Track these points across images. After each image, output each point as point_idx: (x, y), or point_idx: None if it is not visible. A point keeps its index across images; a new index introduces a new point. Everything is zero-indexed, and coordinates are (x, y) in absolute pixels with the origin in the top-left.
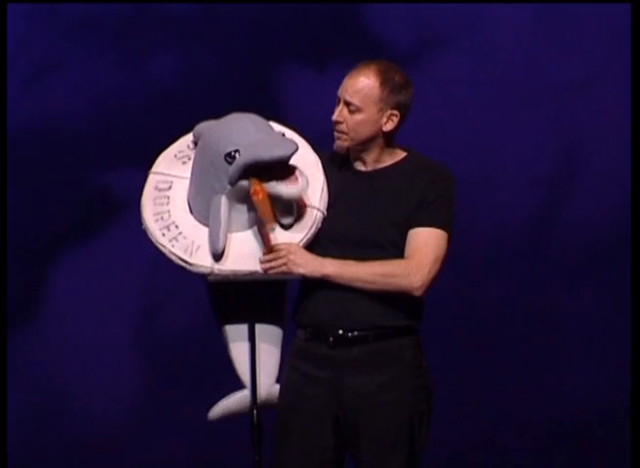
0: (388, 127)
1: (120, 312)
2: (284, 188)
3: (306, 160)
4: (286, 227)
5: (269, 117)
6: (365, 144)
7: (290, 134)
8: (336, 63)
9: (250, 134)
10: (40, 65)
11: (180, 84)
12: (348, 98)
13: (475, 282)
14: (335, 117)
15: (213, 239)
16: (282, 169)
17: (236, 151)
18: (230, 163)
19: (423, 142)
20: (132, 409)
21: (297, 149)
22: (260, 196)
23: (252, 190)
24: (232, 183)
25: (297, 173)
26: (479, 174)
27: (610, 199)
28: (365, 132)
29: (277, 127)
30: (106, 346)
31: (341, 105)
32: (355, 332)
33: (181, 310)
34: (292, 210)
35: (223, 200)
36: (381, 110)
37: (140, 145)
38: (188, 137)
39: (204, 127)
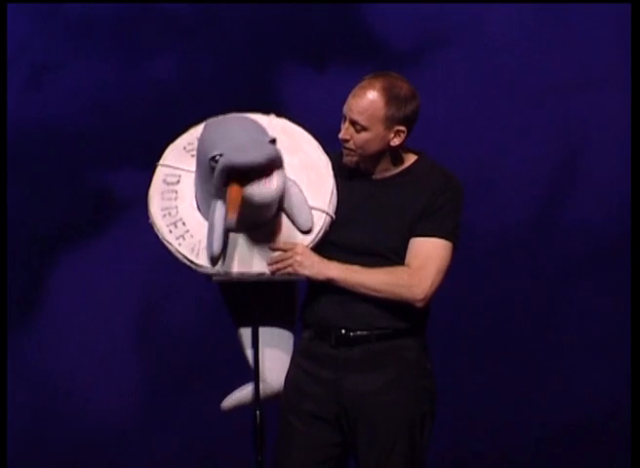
0: (396, 142)
1: (120, 312)
2: (256, 189)
3: (317, 162)
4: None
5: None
6: (374, 158)
7: (301, 132)
8: (336, 63)
9: (234, 137)
10: (40, 65)
11: (181, 84)
12: (354, 118)
13: (475, 282)
14: (341, 135)
15: (208, 243)
16: (263, 172)
17: (220, 155)
18: (214, 167)
19: (423, 142)
20: (132, 408)
21: (272, 156)
22: (233, 191)
23: (228, 189)
24: (218, 187)
25: (274, 174)
26: (479, 174)
27: (610, 199)
28: (373, 148)
29: (288, 125)
30: (106, 346)
31: (347, 124)
32: (357, 332)
33: (182, 310)
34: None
35: (219, 205)
36: (388, 128)
37: (140, 145)
38: (198, 129)
39: (205, 125)
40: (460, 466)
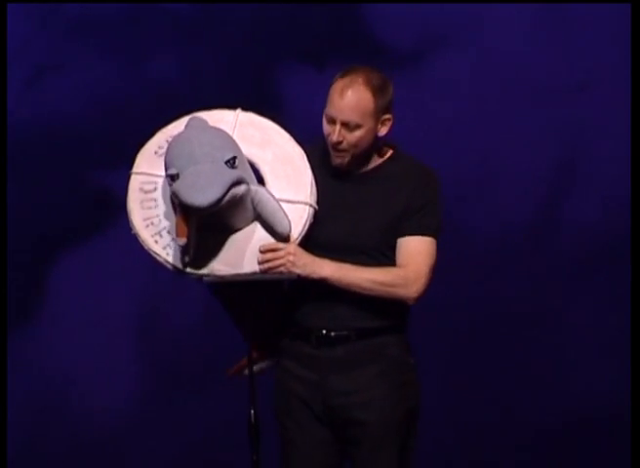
0: (383, 131)
1: (120, 312)
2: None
3: (291, 154)
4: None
5: (270, 116)
6: (363, 155)
7: (271, 125)
8: (336, 63)
9: (192, 160)
10: (40, 65)
11: (180, 84)
12: (346, 119)
13: (475, 282)
14: (335, 138)
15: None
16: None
17: (177, 176)
18: (171, 185)
19: (424, 142)
20: (132, 408)
21: (218, 201)
22: (178, 219)
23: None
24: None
25: None
26: (479, 174)
27: (610, 199)
28: (366, 143)
29: (257, 119)
30: (106, 346)
31: (338, 125)
32: (337, 332)
33: (181, 310)
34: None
35: None
36: (377, 119)
37: (140, 146)
38: (166, 132)
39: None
40: (459, 465)
